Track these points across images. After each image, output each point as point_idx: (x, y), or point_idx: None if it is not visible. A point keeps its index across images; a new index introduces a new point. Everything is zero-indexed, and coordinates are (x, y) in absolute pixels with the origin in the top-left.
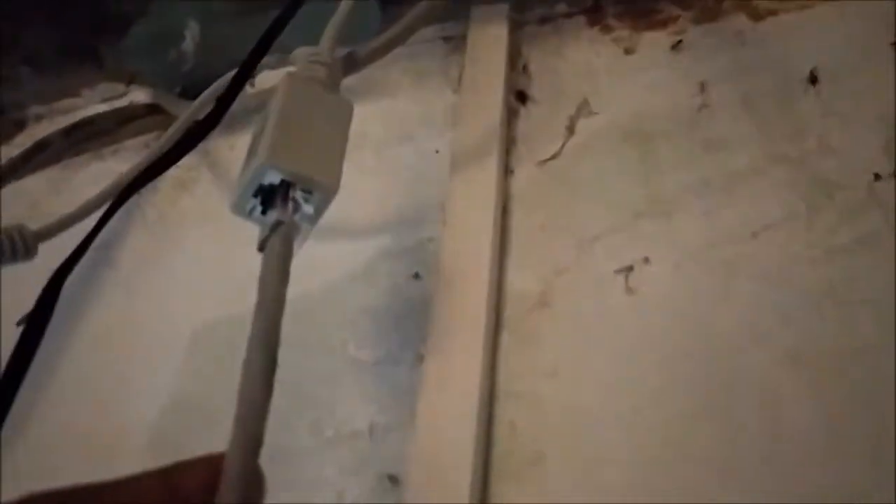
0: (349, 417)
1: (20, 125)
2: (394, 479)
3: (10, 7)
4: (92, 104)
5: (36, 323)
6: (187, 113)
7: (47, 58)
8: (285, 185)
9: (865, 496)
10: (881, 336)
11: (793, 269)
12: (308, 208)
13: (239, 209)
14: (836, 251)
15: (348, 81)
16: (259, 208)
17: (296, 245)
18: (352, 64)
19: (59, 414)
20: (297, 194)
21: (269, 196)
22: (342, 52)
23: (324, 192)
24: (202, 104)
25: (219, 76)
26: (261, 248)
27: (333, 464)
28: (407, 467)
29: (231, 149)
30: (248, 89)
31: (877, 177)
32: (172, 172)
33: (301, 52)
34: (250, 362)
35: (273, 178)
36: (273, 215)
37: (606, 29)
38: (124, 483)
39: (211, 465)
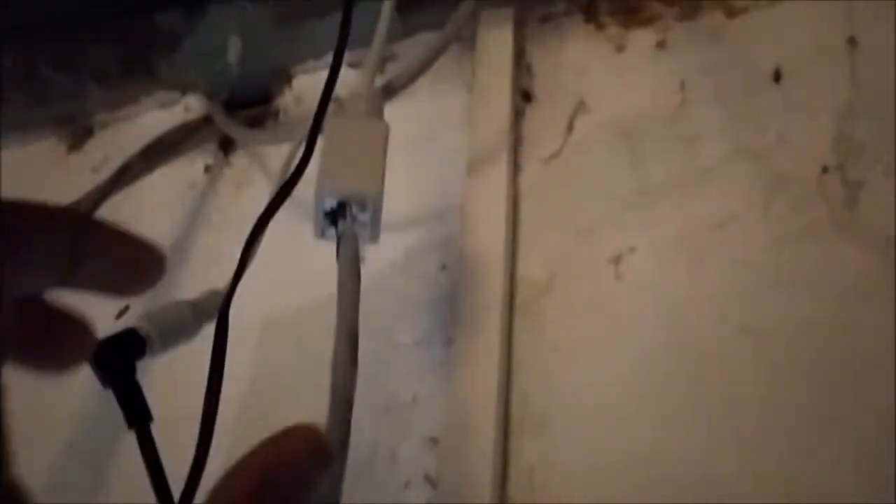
0: (396, 391)
1: (89, 132)
2: (434, 441)
3: (74, 29)
4: (151, 111)
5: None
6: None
7: (110, 71)
8: (342, 204)
9: (800, 437)
10: (819, 311)
11: (750, 256)
12: (364, 217)
13: (319, 235)
14: (784, 239)
15: None
16: (332, 228)
17: (364, 248)
18: (390, 92)
19: None
20: (353, 208)
21: (335, 217)
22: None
23: (370, 199)
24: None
25: (261, 81)
26: (338, 257)
27: (387, 428)
28: (444, 430)
29: (278, 149)
30: (287, 93)
31: (824, 169)
32: (229, 174)
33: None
34: (338, 345)
35: (331, 202)
36: (337, 230)
37: (600, 26)
38: None
39: (309, 431)
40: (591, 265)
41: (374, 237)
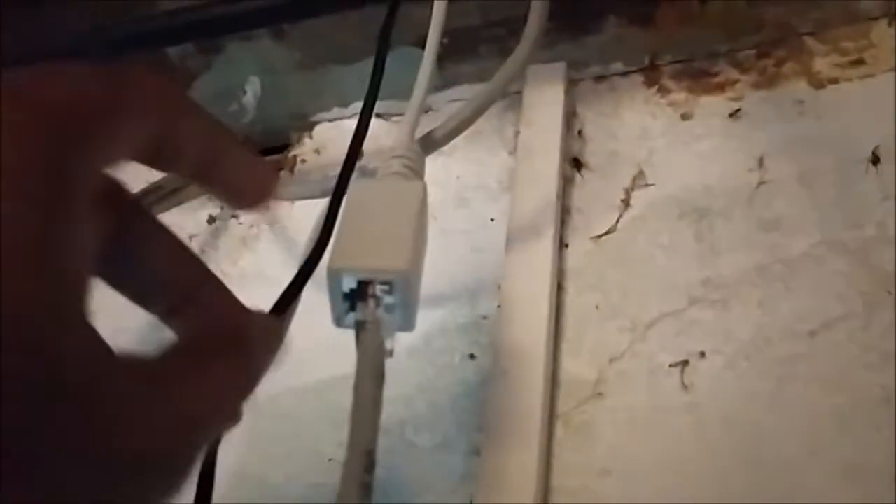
0: None
1: None
2: None
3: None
4: None
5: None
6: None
7: None
8: (364, 285)
9: None
10: None
11: (849, 374)
12: (390, 299)
13: (337, 322)
14: (894, 356)
15: None
16: (352, 314)
17: (389, 339)
18: (428, 146)
19: None
20: (377, 289)
21: (355, 300)
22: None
23: (397, 276)
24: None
25: (279, 127)
26: (357, 350)
27: None
28: None
29: (291, 205)
30: (307, 142)
31: None
32: (235, 228)
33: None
34: (349, 467)
35: (350, 282)
36: (354, 317)
37: (663, 91)
38: None
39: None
40: (650, 369)
41: (408, 324)
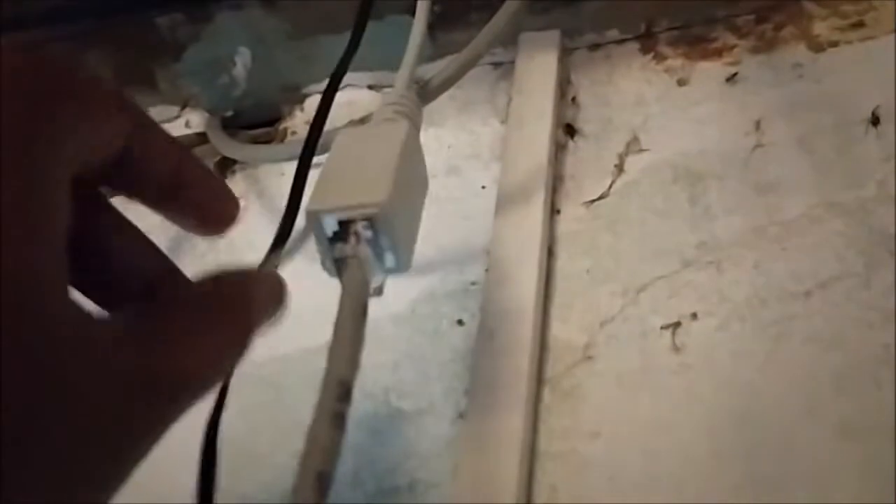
0: (390, 471)
1: None
2: None
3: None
4: None
5: None
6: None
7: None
8: (346, 224)
9: None
10: None
11: (848, 334)
12: (369, 234)
13: (327, 269)
14: (894, 315)
15: None
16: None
17: (378, 278)
18: (426, 95)
19: None
20: (359, 227)
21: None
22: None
23: (374, 210)
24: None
25: (270, 99)
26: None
27: None
28: None
29: (281, 175)
30: (298, 114)
31: None
32: None
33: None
34: (323, 395)
35: (331, 224)
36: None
37: (659, 57)
38: None
39: None
40: (641, 332)
41: (401, 264)
